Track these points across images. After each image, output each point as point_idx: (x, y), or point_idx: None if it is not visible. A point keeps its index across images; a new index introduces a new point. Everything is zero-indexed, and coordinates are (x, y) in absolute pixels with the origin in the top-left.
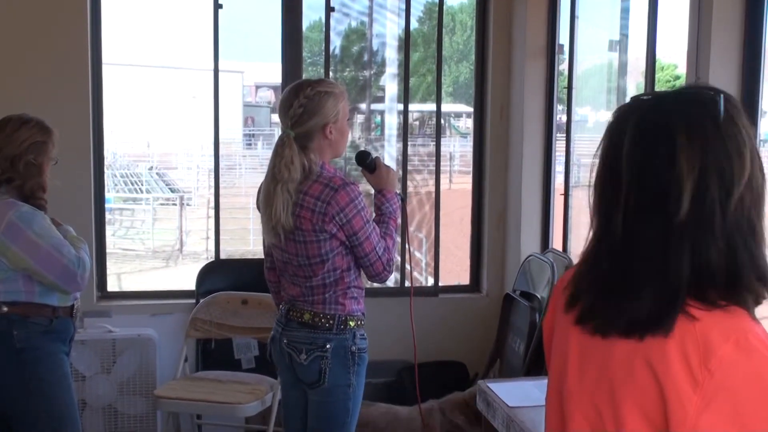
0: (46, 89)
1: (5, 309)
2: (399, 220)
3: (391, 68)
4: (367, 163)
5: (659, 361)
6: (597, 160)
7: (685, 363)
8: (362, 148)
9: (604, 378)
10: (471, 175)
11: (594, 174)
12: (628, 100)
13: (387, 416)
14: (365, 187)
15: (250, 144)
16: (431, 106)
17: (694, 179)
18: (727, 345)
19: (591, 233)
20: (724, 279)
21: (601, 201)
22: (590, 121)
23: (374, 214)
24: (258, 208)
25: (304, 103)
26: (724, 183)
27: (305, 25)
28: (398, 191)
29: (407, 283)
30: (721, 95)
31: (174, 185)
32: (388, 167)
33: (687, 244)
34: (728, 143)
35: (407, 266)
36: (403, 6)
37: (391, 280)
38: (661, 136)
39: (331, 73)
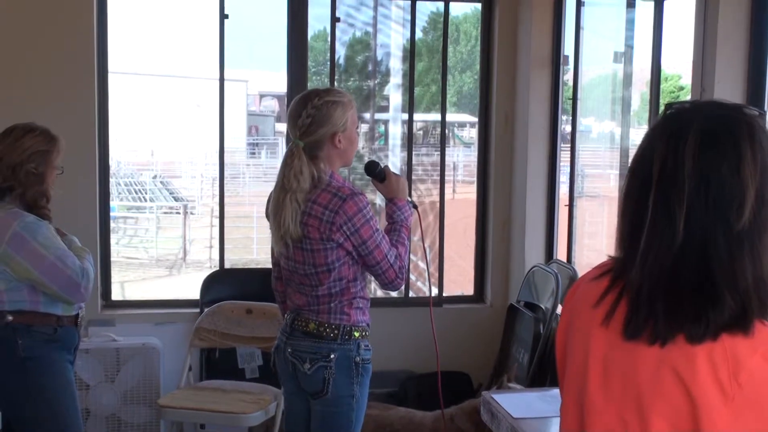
0: (52, 97)
1: (10, 318)
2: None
3: (396, 78)
4: (377, 172)
5: (686, 368)
6: (640, 166)
7: (714, 374)
8: (369, 159)
9: (630, 388)
10: (475, 185)
11: (633, 180)
12: (666, 105)
13: (404, 420)
14: (371, 196)
15: (254, 153)
16: (435, 116)
17: (756, 187)
18: (756, 357)
19: (630, 238)
20: None
21: (657, 207)
22: (594, 131)
23: (386, 223)
24: (267, 217)
25: (312, 113)
26: None
27: (310, 34)
28: (409, 199)
29: (411, 293)
30: (765, 113)
31: (178, 194)
32: (397, 175)
33: (747, 251)
34: None
35: (412, 276)
36: (408, 16)
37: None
38: (727, 141)
39: (335, 83)
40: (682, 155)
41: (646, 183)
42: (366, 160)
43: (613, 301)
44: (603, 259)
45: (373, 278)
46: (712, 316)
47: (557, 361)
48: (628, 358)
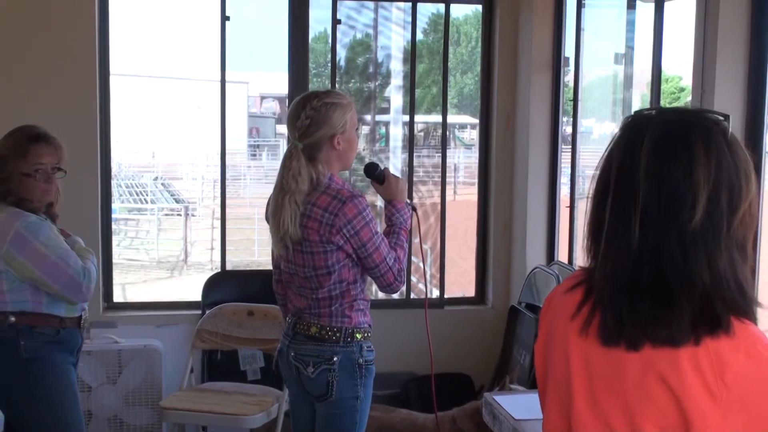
0: (54, 99)
1: (12, 319)
2: (410, 230)
3: (396, 80)
4: (376, 174)
5: (671, 372)
6: (602, 171)
7: (700, 376)
8: (369, 160)
9: (618, 397)
10: (476, 187)
11: (596, 185)
12: (633, 112)
13: (406, 422)
14: (372, 198)
15: (254, 155)
16: (436, 118)
17: (708, 190)
18: (739, 356)
19: (595, 243)
20: (732, 289)
21: (614, 210)
22: (595, 132)
23: (385, 226)
24: (267, 219)
25: (311, 114)
26: (733, 199)
27: (310, 36)
28: (408, 201)
29: (413, 295)
30: (729, 118)
31: (179, 196)
32: (397, 177)
33: (702, 252)
34: (738, 164)
35: (413, 277)
36: (409, 18)
37: (397, 292)
38: (680, 146)
39: (336, 85)
40: (638, 159)
41: (605, 190)
42: (367, 161)
43: (589, 312)
44: None
45: (372, 280)
46: (667, 319)
47: (537, 376)
48: (612, 366)
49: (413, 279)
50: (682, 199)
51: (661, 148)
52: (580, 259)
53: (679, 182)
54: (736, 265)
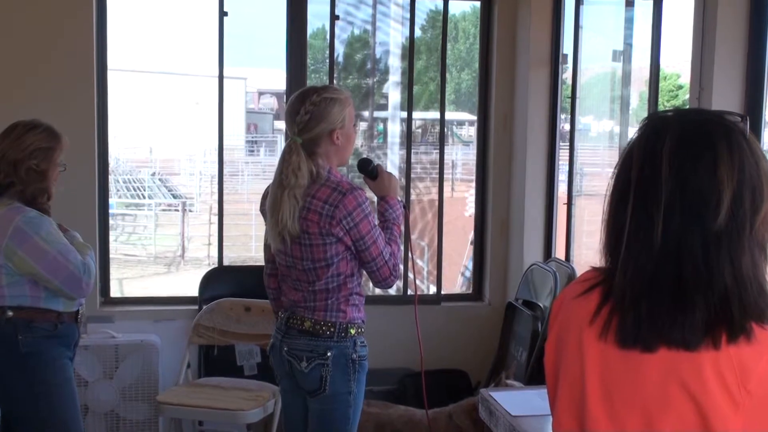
0: (51, 95)
1: (10, 314)
2: (402, 227)
3: (394, 76)
4: (369, 170)
5: (693, 379)
6: (620, 172)
7: (722, 383)
8: (364, 156)
9: (636, 403)
10: (474, 183)
11: (614, 186)
12: (649, 114)
13: (404, 418)
14: (369, 193)
15: (252, 151)
16: (434, 114)
17: (733, 189)
18: (762, 363)
19: (613, 245)
20: (754, 290)
21: (635, 211)
22: (593, 130)
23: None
24: (262, 213)
25: (310, 109)
26: (755, 199)
27: (309, 32)
28: (400, 198)
29: (410, 291)
30: (746, 118)
31: (176, 191)
32: (389, 174)
33: (725, 252)
34: (759, 164)
35: (410, 274)
36: (407, 14)
37: (393, 288)
38: (703, 145)
39: (334, 81)
40: (659, 160)
41: (626, 190)
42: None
43: (608, 315)
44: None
45: (367, 276)
46: (681, 320)
47: (547, 379)
48: (630, 369)
49: (410, 275)
50: (706, 198)
51: (684, 147)
52: (578, 256)
53: (704, 181)
54: (758, 266)
